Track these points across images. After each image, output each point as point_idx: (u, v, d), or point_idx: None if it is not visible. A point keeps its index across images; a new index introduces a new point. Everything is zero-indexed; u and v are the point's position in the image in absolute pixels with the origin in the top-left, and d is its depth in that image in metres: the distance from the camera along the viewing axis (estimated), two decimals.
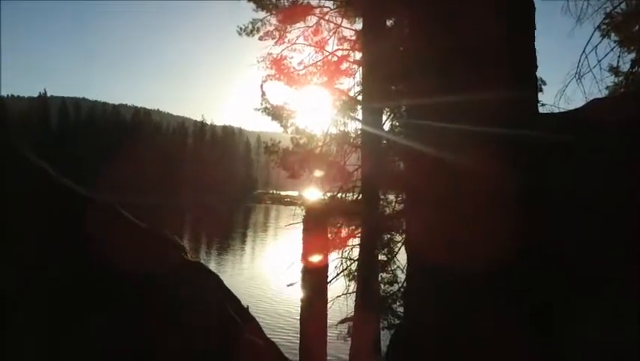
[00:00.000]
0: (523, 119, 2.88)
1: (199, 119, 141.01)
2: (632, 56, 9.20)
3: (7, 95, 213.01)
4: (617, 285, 2.67)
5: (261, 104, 13.27)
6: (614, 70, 9.24)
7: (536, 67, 3.00)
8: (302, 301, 7.75)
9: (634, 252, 2.69)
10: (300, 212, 13.71)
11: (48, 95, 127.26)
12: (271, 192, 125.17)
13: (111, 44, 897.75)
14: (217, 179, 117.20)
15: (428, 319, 2.89)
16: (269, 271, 26.15)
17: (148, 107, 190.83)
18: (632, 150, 2.87)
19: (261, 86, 13.15)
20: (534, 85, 3.03)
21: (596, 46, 7.49)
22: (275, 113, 13.33)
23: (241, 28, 13.10)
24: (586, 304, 2.72)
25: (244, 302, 3.84)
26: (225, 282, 3.75)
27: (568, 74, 7.55)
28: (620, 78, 9.38)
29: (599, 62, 7.43)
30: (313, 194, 14.11)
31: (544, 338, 2.69)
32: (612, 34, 8.97)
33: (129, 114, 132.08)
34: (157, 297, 2.99)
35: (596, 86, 7.60)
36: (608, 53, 7.85)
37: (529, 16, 2.99)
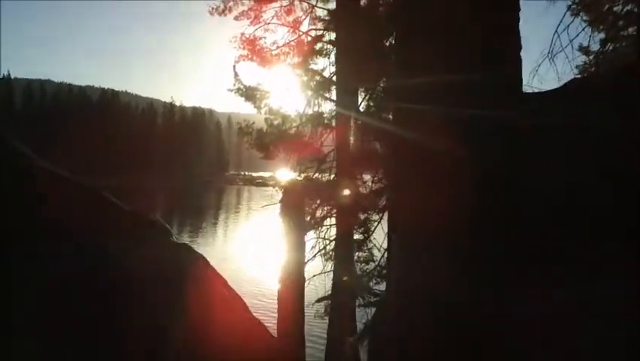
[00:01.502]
0: (506, 99, 2.95)
1: (168, 100, 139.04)
2: (602, 35, 9.39)
3: None
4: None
5: (234, 84, 13.11)
6: (585, 50, 9.44)
7: (520, 47, 3.05)
8: (280, 279, 7.85)
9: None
10: (274, 193, 13.74)
11: (12, 77, 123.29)
12: (243, 173, 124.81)
13: (76, 24, 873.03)
14: (188, 160, 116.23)
15: (415, 286, 2.98)
16: (244, 254, 26.23)
17: (116, 88, 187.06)
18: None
19: (234, 66, 13.01)
20: (519, 65, 3.09)
21: (568, 26, 7.61)
22: (248, 94, 13.19)
23: (213, 8, 12.88)
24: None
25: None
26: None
27: (541, 53, 7.68)
28: (591, 57, 9.60)
29: (570, 41, 7.56)
30: (286, 175, 14.12)
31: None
32: (583, 14, 9.13)
33: (96, 96, 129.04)
34: (145, 281, 2.97)
35: (568, 66, 7.77)
36: (580, 33, 7.99)
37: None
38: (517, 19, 3.06)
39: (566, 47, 7.49)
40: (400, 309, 3.19)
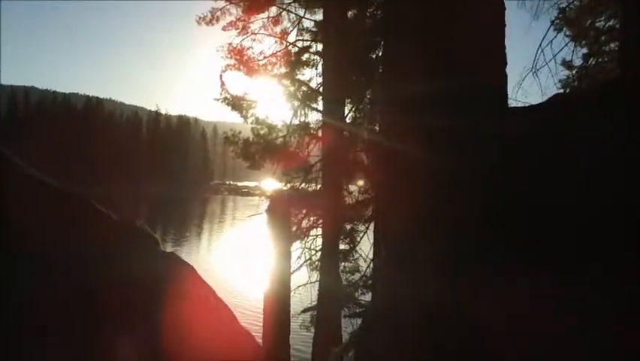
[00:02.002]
0: (492, 112, 3.01)
1: (153, 108, 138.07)
2: (585, 50, 9.57)
3: None
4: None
5: (221, 94, 13.10)
6: (568, 64, 9.61)
7: (506, 63, 3.12)
8: (265, 289, 7.81)
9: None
10: (259, 203, 13.72)
11: None
12: (228, 182, 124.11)
13: (61, 31, 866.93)
14: (173, 169, 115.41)
15: (406, 302, 3.00)
16: (228, 264, 26.07)
17: (100, 95, 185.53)
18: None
19: (221, 75, 13.01)
20: (504, 80, 3.16)
21: (552, 40, 7.76)
22: (235, 104, 13.19)
23: (200, 17, 12.90)
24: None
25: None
26: None
27: (525, 67, 7.81)
28: (574, 72, 9.77)
29: (554, 56, 7.70)
30: (271, 184, 14.10)
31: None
32: (566, 30, 9.31)
33: (81, 103, 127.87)
34: (132, 289, 2.96)
35: (551, 80, 7.89)
36: (563, 48, 8.15)
37: (501, 14, 3.11)
38: (503, 35, 3.13)
39: (549, 61, 7.63)
40: (385, 319, 3.22)
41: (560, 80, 9.16)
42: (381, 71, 6.63)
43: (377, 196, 5.98)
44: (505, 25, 3.13)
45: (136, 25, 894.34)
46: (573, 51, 9.21)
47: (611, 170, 2.87)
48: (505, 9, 3.15)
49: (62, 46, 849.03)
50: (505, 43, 3.22)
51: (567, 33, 9.23)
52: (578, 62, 9.42)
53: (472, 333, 2.68)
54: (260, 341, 7.25)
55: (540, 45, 7.61)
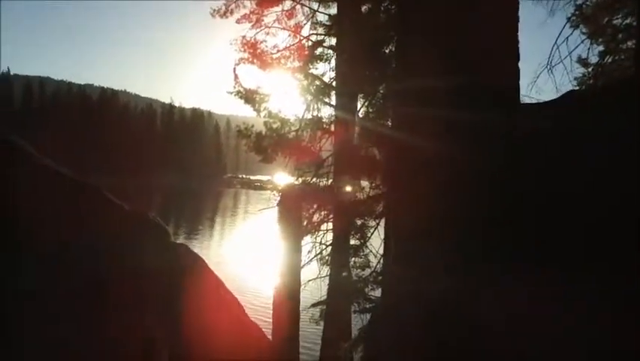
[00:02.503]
0: (505, 108, 2.98)
1: (167, 101, 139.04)
2: (601, 48, 9.44)
3: None
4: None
5: (234, 87, 13.15)
6: (584, 62, 9.48)
7: (519, 58, 3.09)
8: (275, 283, 7.83)
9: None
10: (271, 196, 13.75)
11: (11, 73, 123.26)
12: (241, 176, 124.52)
13: (77, 23, 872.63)
14: (186, 162, 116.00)
15: (417, 297, 2.99)
16: (240, 257, 26.18)
17: (115, 87, 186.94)
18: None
19: (234, 69, 13.04)
20: (517, 76, 3.13)
21: (567, 38, 7.67)
22: (248, 97, 13.22)
23: (214, 10, 12.93)
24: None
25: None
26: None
27: (539, 64, 7.73)
28: (590, 70, 9.63)
29: (569, 53, 7.62)
30: (284, 178, 14.12)
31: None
32: (582, 27, 9.18)
33: (96, 95, 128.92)
34: (140, 280, 2.99)
35: (566, 77, 7.80)
36: (579, 45, 8.04)
37: (514, 8, 3.07)
38: (516, 30, 3.09)
39: (564, 58, 7.56)
40: (390, 315, 3.22)
41: (575, 78, 9.05)
42: (394, 65, 6.61)
43: (388, 192, 5.95)
44: (518, 20, 3.10)
45: (151, 21, 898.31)
46: (589, 48, 9.09)
47: (619, 168, 2.84)
48: (518, 3, 3.11)
49: (78, 37, 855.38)
50: (520, 39, 3.18)
51: (583, 30, 9.11)
52: (593, 59, 9.30)
53: (474, 332, 2.67)
54: (268, 334, 7.30)
55: (555, 42, 7.54)
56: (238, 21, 12.70)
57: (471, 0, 2.99)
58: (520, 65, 3.16)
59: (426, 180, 3.15)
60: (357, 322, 11.38)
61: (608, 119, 2.99)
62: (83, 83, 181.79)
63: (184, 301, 2.88)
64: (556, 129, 3.02)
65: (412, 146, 3.21)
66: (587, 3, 9.07)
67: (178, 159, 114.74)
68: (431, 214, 3.00)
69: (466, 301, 2.72)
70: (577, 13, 8.66)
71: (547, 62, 7.51)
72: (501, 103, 2.97)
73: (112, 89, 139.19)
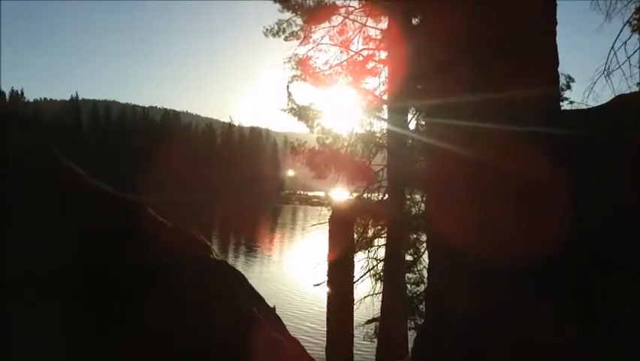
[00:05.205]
0: (547, 116, 2.85)
1: (227, 120, 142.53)
2: None
3: (41, 99, 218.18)
4: None
5: (287, 104, 13.35)
6: None
7: (558, 63, 2.96)
8: (328, 297, 7.78)
9: None
10: (326, 212, 13.75)
11: (80, 98, 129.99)
12: (298, 192, 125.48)
13: (140, 47, 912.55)
14: (245, 179, 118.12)
15: (457, 313, 2.88)
16: (296, 272, 26.26)
17: (177, 109, 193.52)
18: None
19: (287, 86, 13.22)
20: (556, 82, 3.00)
21: (625, 42, 7.29)
22: (301, 114, 13.38)
23: (267, 29, 13.17)
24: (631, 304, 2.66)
25: (270, 302, 3.86)
26: (253, 282, 3.78)
27: (596, 70, 7.39)
28: None
29: (628, 58, 7.23)
30: (340, 194, 14.11)
31: (585, 339, 2.64)
32: None
33: (159, 116, 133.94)
34: (177, 294, 3.03)
35: (625, 83, 7.40)
36: (638, 49, 7.63)
37: (552, 13, 2.95)
38: (554, 35, 2.97)
39: (623, 63, 7.18)
40: (429, 332, 3.11)
41: (637, 84, 8.58)
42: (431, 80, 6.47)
43: (427, 208, 5.77)
44: (556, 24, 2.97)
45: (209, 40, 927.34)
46: None
47: None
48: (555, 5, 2.98)
49: (142, 62, 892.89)
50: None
51: None
52: None
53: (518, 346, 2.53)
54: (310, 349, 7.25)
55: (613, 47, 7.19)
56: (287, 38, 12.90)
57: (501, 11, 2.88)
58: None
59: (467, 195, 3.05)
60: (413, 339, 11.14)
61: None
62: (147, 105, 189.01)
63: (218, 312, 2.90)
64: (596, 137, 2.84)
65: (452, 155, 3.13)
66: None
67: (238, 176, 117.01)
68: (470, 228, 2.89)
69: (507, 318, 2.59)
70: (636, 16, 8.25)
71: (605, 68, 7.17)
72: (541, 110, 2.84)
73: (174, 111, 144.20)
